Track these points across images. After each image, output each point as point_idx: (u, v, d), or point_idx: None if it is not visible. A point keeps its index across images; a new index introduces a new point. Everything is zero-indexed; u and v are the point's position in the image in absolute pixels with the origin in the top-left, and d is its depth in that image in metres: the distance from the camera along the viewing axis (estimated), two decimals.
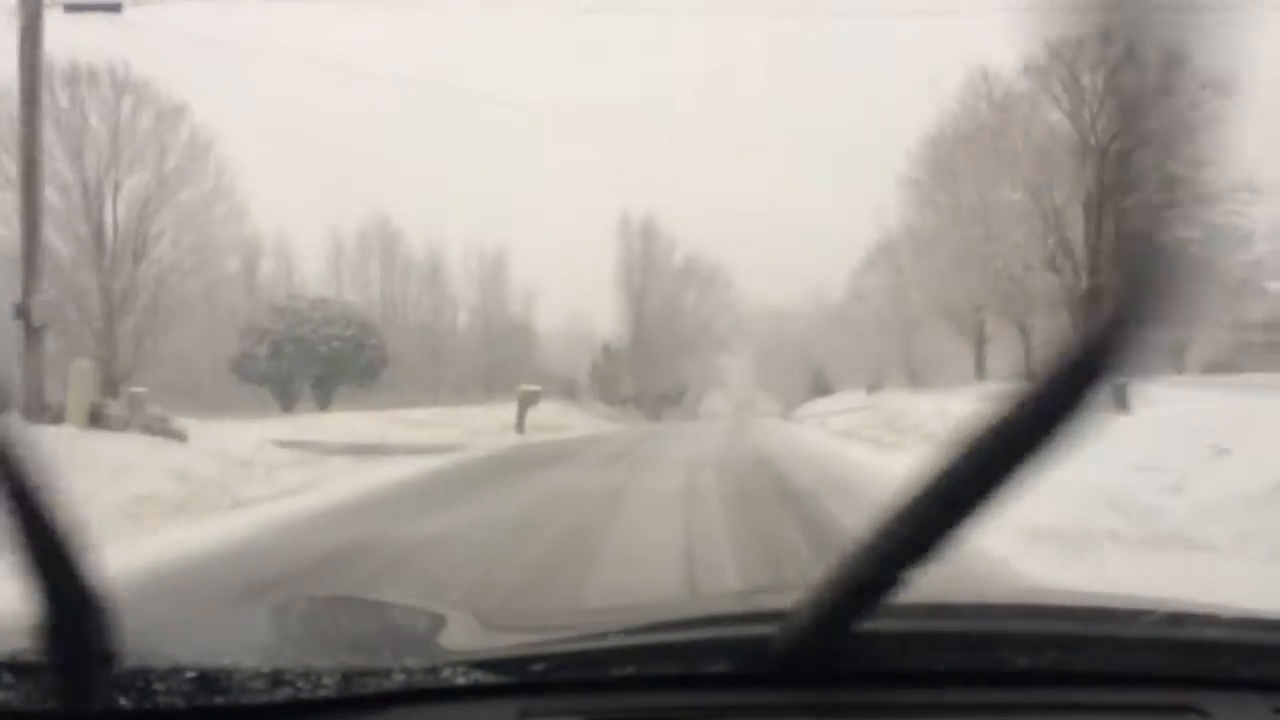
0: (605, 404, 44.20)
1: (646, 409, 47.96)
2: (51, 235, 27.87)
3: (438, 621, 1.20)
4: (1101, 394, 0.75)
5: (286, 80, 69.62)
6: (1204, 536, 5.68)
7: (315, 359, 35.92)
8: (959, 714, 0.92)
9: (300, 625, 1.32)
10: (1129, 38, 0.65)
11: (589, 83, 79.58)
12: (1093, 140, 28.15)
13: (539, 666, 0.92)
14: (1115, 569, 5.11)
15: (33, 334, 10.40)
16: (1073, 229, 28.51)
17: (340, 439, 16.64)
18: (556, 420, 27.65)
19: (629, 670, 0.92)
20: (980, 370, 33.40)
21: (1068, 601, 1.19)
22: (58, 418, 9.68)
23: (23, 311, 10.23)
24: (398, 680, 0.88)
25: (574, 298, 70.82)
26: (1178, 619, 1.00)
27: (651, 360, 50.77)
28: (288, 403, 36.66)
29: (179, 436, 10.16)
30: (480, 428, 22.31)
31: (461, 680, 0.90)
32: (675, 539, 6.31)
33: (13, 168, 21.11)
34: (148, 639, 0.89)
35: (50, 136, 27.05)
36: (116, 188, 28.53)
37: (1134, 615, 1.01)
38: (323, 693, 0.85)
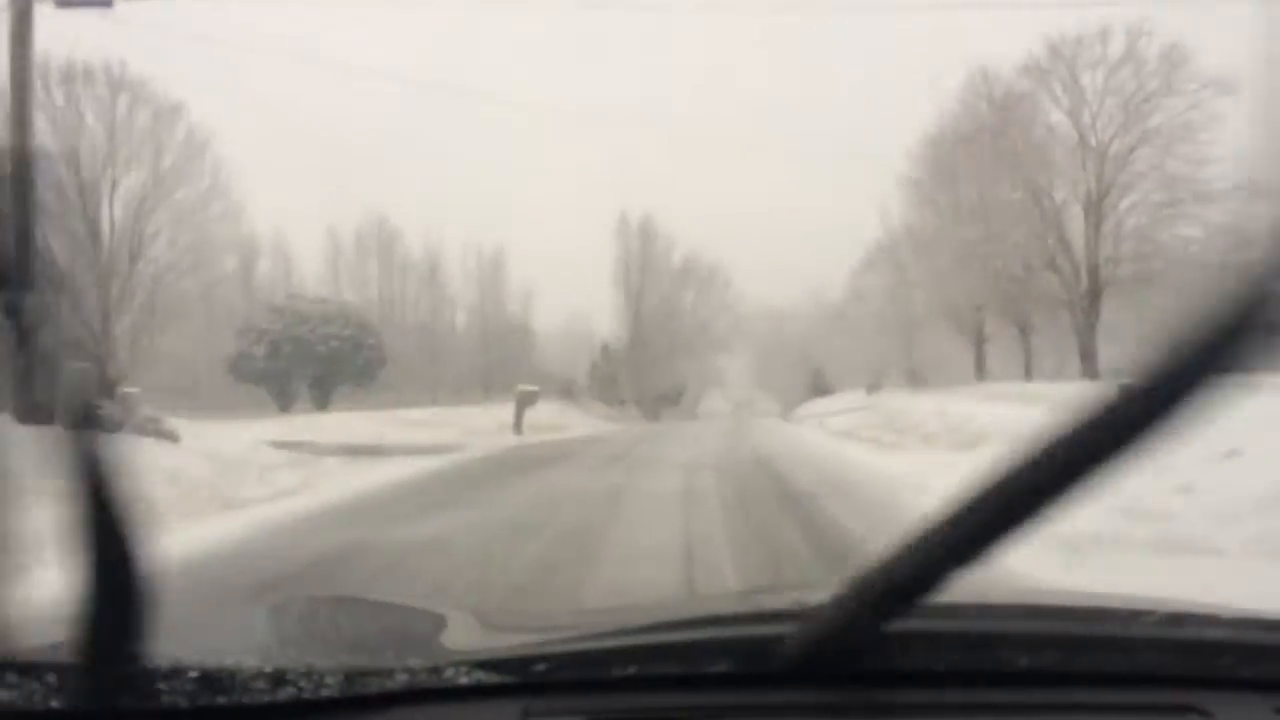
0: (604, 404, 44.11)
1: (645, 409, 47.87)
2: (47, 234, 27.80)
3: (439, 622, 1.20)
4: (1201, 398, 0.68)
5: (283, 78, 69.54)
6: (1213, 540, 5.58)
7: (313, 359, 35.80)
8: (960, 714, 0.92)
9: (302, 625, 1.31)
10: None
11: (587, 82, 79.54)
12: (1093, 140, 28.14)
13: (541, 666, 0.92)
14: (1124, 574, 5.01)
15: (25, 333, 10.26)
16: (1073, 228, 28.47)
17: (336, 439, 16.54)
18: (554, 421, 27.55)
19: (631, 670, 0.92)
20: (980, 370, 33.33)
21: (1068, 602, 1.17)
22: (49, 418, 9.55)
23: (12, 310, 10.09)
24: (400, 680, 0.88)
25: (572, 298, 70.73)
26: (1178, 619, 1.00)
27: (650, 360, 50.69)
28: (285, 403, 36.55)
29: (171, 437, 10.05)
30: (478, 428, 22.21)
31: (464, 680, 0.90)
32: (674, 542, 6.23)
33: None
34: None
35: (46, 135, 26.96)
36: (113, 186, 28.45)
37: (1134, 615, 1.00)
38: (325, 692, 0.85)
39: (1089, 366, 27.61)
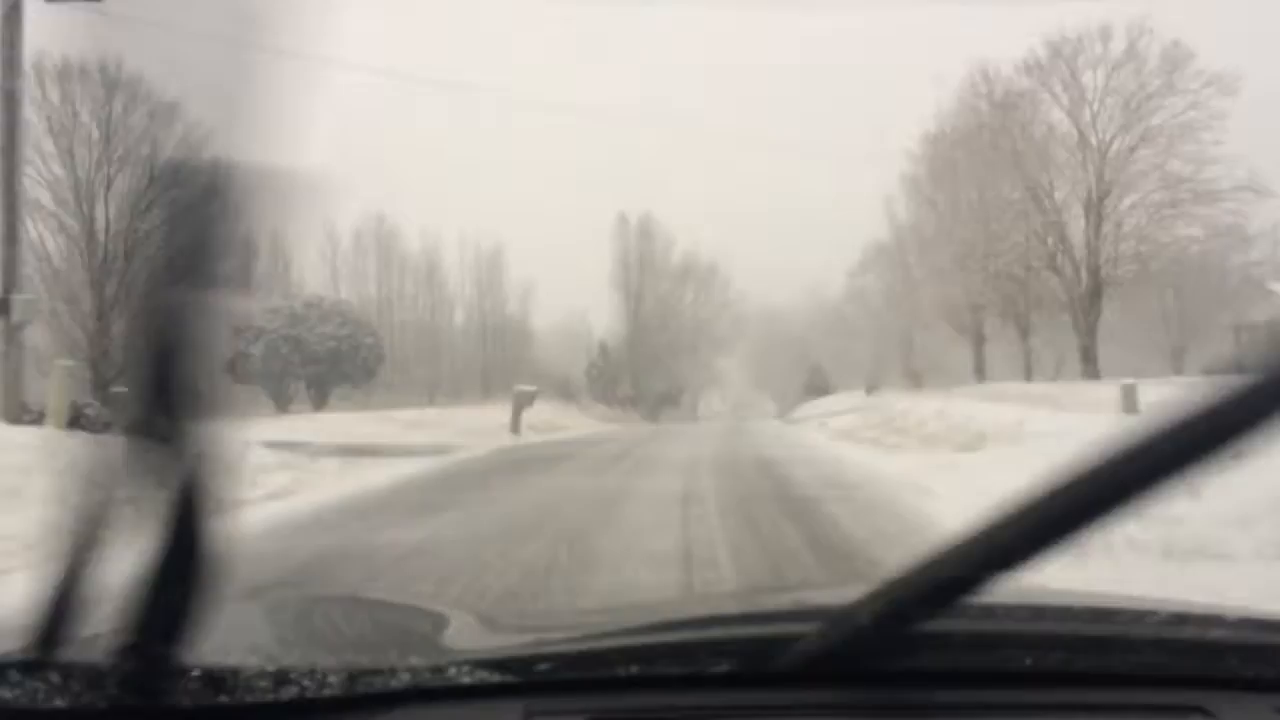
0: (603, 404, 44.00)
1: (644, 410, 47.76)
2: (42, 233, 27.70)
3: (442, 621, 1.20)
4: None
5: (280, 75, 69.27)
6: (1223, 545, 5.49)
7: (310, 358, 35.67)
8: (963, 714, 0.92)
9: (304, 624, 1.31)
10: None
11: (587, 79, 79.39)
12: (1093, 139, 28.03)
13: (545, 666, 0.93)
14: (1132, 578, 4.88)
15: (13, 332, 10.14)
16: (1073, 228, 28.39)
17: (332, 440, 16.40)
18: (553, 421, 27.43)
19: (635, 670, 0.92)
20: (979, 371, 33.24)
21: (1070, 602, 1.16)
22: (38, 419, 9.43)
23: (2, 309, 9.98)
24: (403, 679, 0.88)
25: (571, 297, 70.38)
26: (1182, 619, 1.01)
27: (649, 360, 50.59)
28: (282, 403, 36.41)
29: None
30: (475, 428, 22.09)
31: (466, 679, 0.90)
32: (674, 546, 6.12)
33: None
34: None
35: (40, 133, 26.84)
36: (108, 185, 28.29)
37: (1138, 616, 1.01)
38: (328, 692, 0.85)
39: (1089, 367, 27.52)
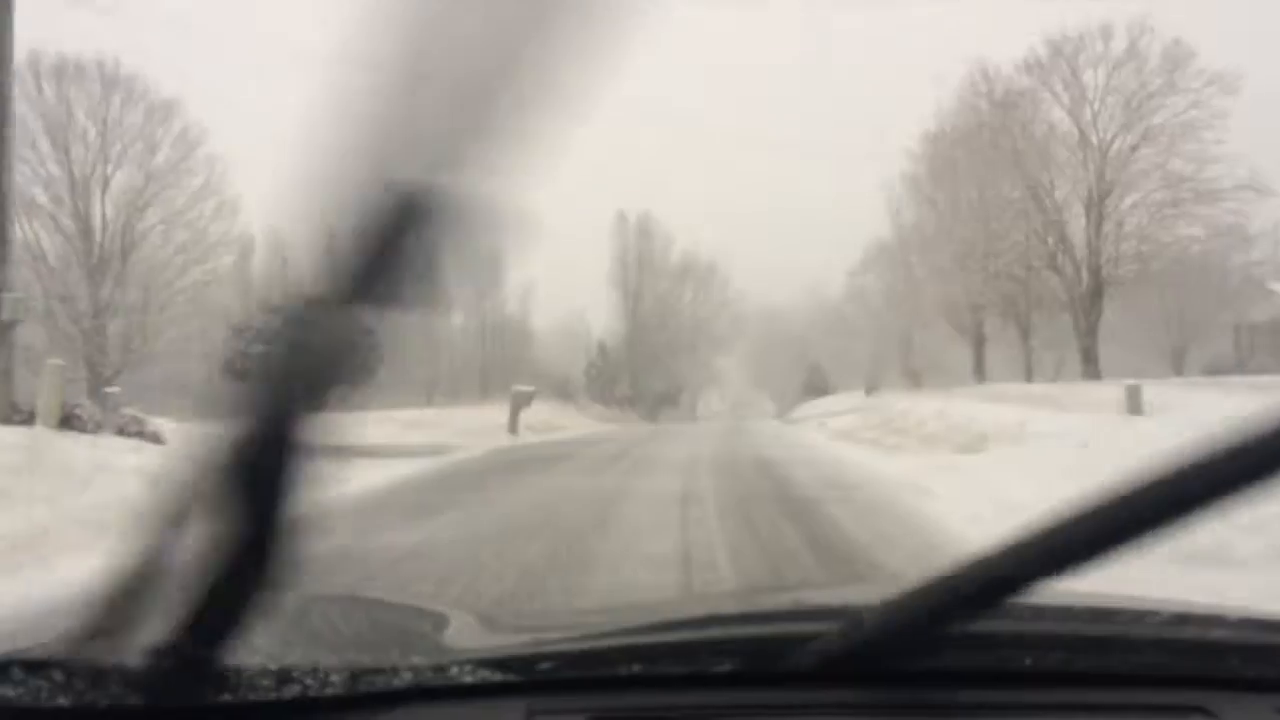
0: (601, 404, 43.89)
1: (642, 409, 47.65)
2: (38, 231, 27.56)
3: (442, 621, 1.20)
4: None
5: (278, 72, 69.38)
6: (1234, 550, 5.38)
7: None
8: (962, 713, 0.92)
9: (304, 624, 1.27)
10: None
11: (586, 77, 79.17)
12: (1094, 138, 27.93)
13: (546, 665, 0.93)
14: (1141, 584, 4.77)
15: (3, 331, 10.02)
16: (1074, 228, 28.29)
17: (328, 440, 16.28)
18: (550, 421, 27.33)
19: (636, 669, 0.92)
20: (979, 371, 33.15)
21: (1072, 602, 1.14)
22: (29, 419, 9.31)
23: None
24: (405, 678, 0.88)
25: (570, 296, 70.44)
26: (1183, 619, 1.00)
27: (648, 359, 50.48)
28: None
29: (154, 438, 9.79)
30: (473, 429, 21.99)
31: (469, 678, 0.90)
32: (673, 548, 6.03)
33: None
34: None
35: (37, 131, 26.71)
36: (105, 184, 28.18)
37: (1139, 615, 1.00)
38: (330, 690, 0.84)
39: (1090, 368, 27.42)
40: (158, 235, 29.44)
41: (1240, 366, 31.04)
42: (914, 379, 37.45)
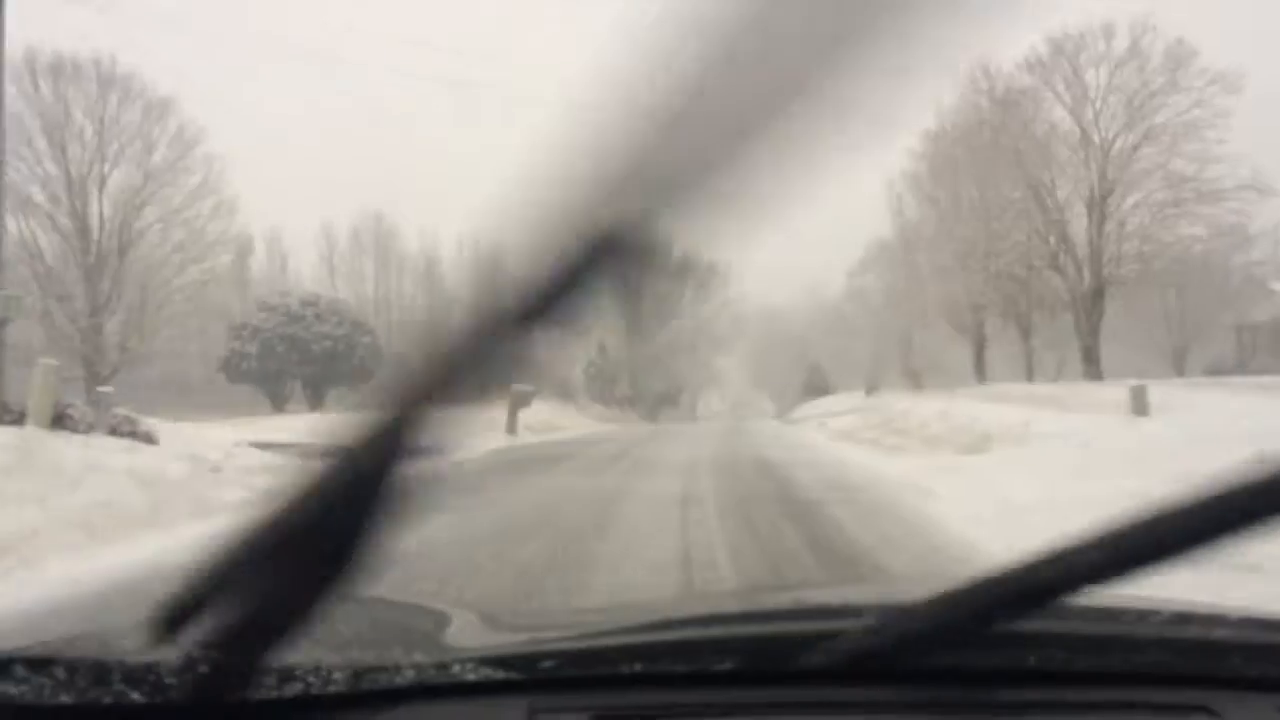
0: (601, 404, 43.78)
1: (642, 409, 47.54)
2: (35, 230, 27.44)
3: (444, 619, 1.20)
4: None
5: (277, 72, 69.28)
6: (1245, 554, 5.25)
7: (307, 358, 35.40)
8: (962, 712, 0.92)
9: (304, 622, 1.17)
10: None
11: (585, 74, 79.06)
12: (1096, 137, 27.81)
13: (548, 663, 0.93)
14: (1151, 589, 4.66)
15: None
16: (1075, 227, 28.17)
17: (325, 440, 16.17)
18: (550, 421, 27.21)
19: (638, 668, 0.92)
20: (980, 371, 33.04)
21: (1073, 601, 1.09)
22: (19, 419, 9.19)
23: None
24: (407, 676, 0.88)
25: None
26: (1185, 618, 1.00)
27: (647, 359, 50.35)
28: (279, 402, 36.17)
29: (147, 439, 9.67)
30: (471, 428, 21.86)
31: (471, 676, 0.90)
32: (674, 552, 5.93)
33: None
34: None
35: (34, 129, 26.59)
36: (102, 182, 28.06)
37: (1142, 615, 0.99)
38: (333, 688, 0.84)
39: (1092, 368, 27.31)
40: (155, 234, 29.33)
41: (1242, 367, 30.95)
42: (914, 379, 37.33)
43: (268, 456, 11.50)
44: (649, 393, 49.73)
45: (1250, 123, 26.14)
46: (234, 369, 35.68)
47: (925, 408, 18.59)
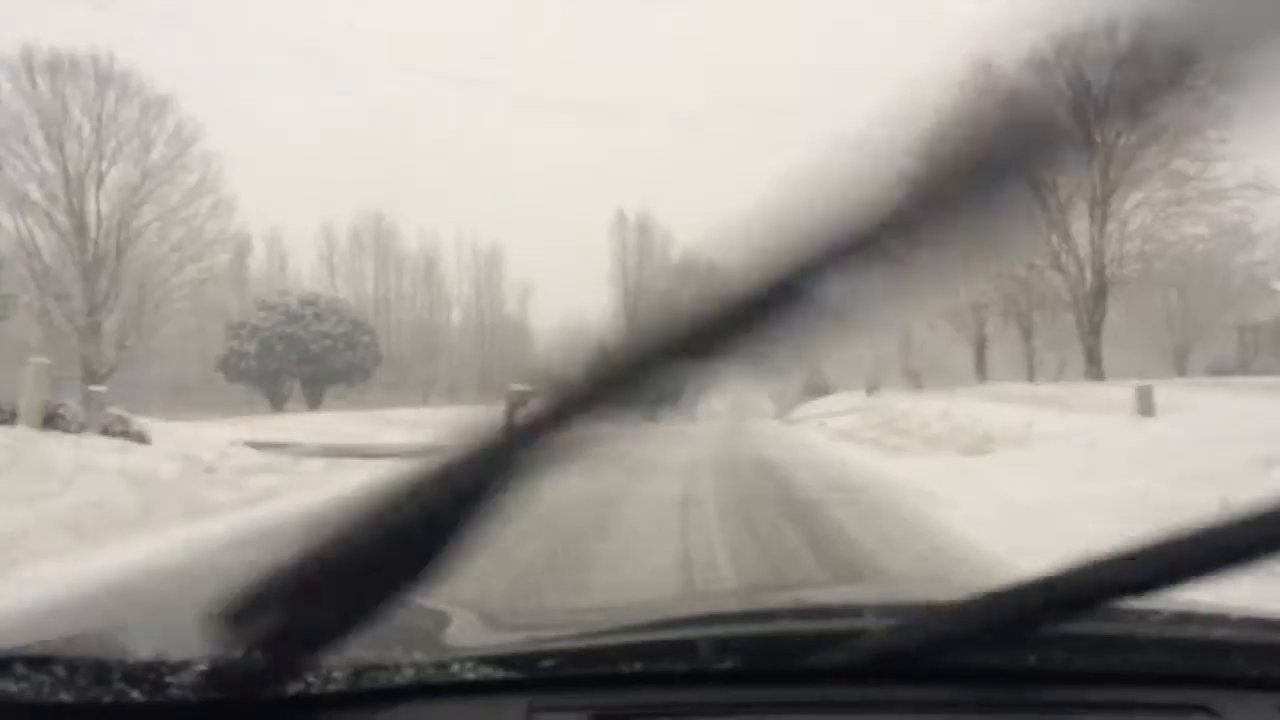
0: None
1: (642, 409, 47.41)
2: (32, 228, 27.35)
3: (444, 618, 1.18)
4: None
5: (275, 71, 69.19)
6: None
7: (306, 357, 35.31)
8: (966, 712, 0.92)
9: None
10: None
11: (586, 75, 79.12)
12: (1098, 136, 27.71)
13: (548, 663, 0.93)
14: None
15: None
16: (1077, 227, 28.05)
17: (322, 440, 16.10)
18: None
19: (637, 667, 0.92)
20: (981, 371, 32.91)
21: None
22: (10, 418, 9.09)
23: None
24: (407, 675, 0.88)
25: (569, 295, 70.14)
26: (1186, 618, 0.99)
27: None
28: (277, 401, 36.08)
29: (140, 438, 9.56)
30: (467, 428, 21.79)
31: (470, 675, 0.90)
32: (674, 556, 5.85)
33: None
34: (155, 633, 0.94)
35: (31, 126, 26.50)
36: (99, 180, 27.95)
37: (1143, 614, 0.97)
38: (332, 687, 0.84)
39: (1093, 368, 27.20)
40: (153, 232, 29.25)
41: (1244, 367, 30.85)
42: (915, 379, 37.21)
43: (263, 456, 11.41)
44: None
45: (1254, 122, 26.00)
46: (232, 368, 35.59)
47: (926, 408, 18.49)
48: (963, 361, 34.71)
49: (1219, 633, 0.99)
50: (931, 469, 10.56)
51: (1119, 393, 13.25)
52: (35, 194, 27.09)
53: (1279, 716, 0.93)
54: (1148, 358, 35.44)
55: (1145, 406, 11.39)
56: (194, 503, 8.04)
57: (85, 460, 8.21)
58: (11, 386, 10.43)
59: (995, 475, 9.23)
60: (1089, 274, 27.53)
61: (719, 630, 1.01)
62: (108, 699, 0.78)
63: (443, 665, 0.91)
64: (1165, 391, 12.64)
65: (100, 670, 0.78)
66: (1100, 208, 27.31)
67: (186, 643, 0.86)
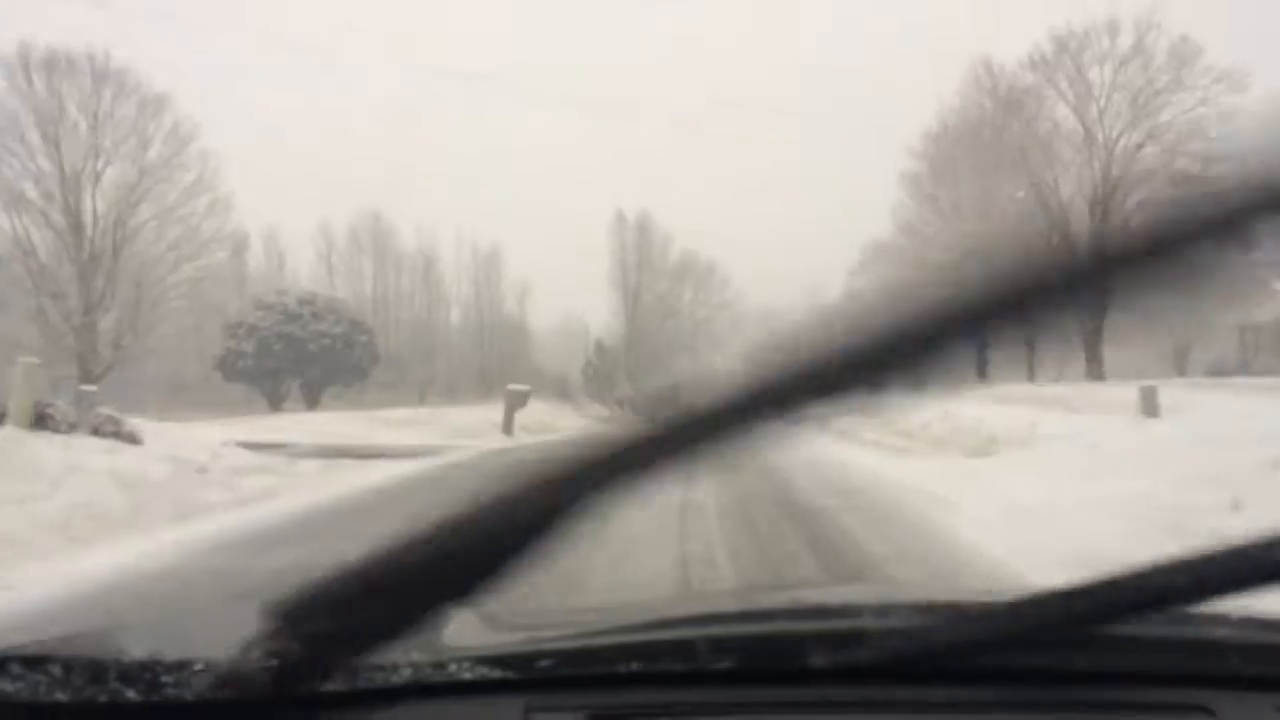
0: (599, 404, 43.59)
1: (641, 410, 47.35)
2: (28, 227, 27.22)
3: (443, 618, 1.11)
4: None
5: (275, 70, 69.11)
6: None
7: (303, 356, 35.18)
8: (963, 712, 0.92)
9: None
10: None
11: (586, 75, 78.97)
12: (1100, 136, 27.62)
13: (545, 662, 0.93)
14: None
15: None
16: (1078, 227, 28.00)
17: (318, 441, 15.99)
18: (546, 421, 26.96)
19: (634, 667, 0.93)
20: (980, 372, 32.81)
21: None
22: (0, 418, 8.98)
23: None
24: (404, 675, 0.87)
25: (568, 295, 70.11)
26: (1185, 618, 0.97)
27: (647, 359, 50.21)
28: (275, 401, 35.96)
29: (131, 439, 9.44)
30: (467, 429, 21.70)
31: (468, 675, 0.90)
32: (673, 559, 5.73)
33: None
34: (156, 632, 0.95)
35: (27, 124, 26.38)
36: (96, 178, 27.84)
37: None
38: (330, 687, 0.83)
39: (1094, 368, 27.13)
40: (150, 231, 29.14)
41: (1244, 367, 30.76)
42: None
43: (257, 457, 11.28)
44: (648, 393, 49.57)
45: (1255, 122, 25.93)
46: (230, 367, 35.46)
47: (928, 409, 18.37)
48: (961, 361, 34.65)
49: (1217, 633, 0.98)
50: (936, 471, 10.46)
51: (1122, 393, 13.14)
52: (31, 192, 27.00)
53: (1277, 717, 0.93)
54: (1147, 358, 35.35)
55: (1149, 407, 11.28)
56: (185, 504, 7.93)
57: (74, 461, 8.10)
58: (2, 386, 10.32)
59: (1000, 477, 9.12)
60: None
61: (716, 630, 1.01)
62: (104, 699, 0.77)
63: (440, 665, 0.90)
64: (1167, 392, 12.53)
65: (96, 670, 0.78)
66: (1101, 207, 27.27)
67: (183, 642, 0.86)
